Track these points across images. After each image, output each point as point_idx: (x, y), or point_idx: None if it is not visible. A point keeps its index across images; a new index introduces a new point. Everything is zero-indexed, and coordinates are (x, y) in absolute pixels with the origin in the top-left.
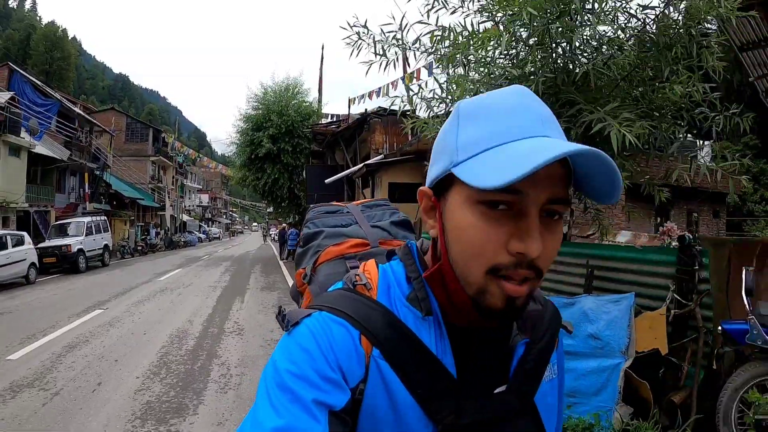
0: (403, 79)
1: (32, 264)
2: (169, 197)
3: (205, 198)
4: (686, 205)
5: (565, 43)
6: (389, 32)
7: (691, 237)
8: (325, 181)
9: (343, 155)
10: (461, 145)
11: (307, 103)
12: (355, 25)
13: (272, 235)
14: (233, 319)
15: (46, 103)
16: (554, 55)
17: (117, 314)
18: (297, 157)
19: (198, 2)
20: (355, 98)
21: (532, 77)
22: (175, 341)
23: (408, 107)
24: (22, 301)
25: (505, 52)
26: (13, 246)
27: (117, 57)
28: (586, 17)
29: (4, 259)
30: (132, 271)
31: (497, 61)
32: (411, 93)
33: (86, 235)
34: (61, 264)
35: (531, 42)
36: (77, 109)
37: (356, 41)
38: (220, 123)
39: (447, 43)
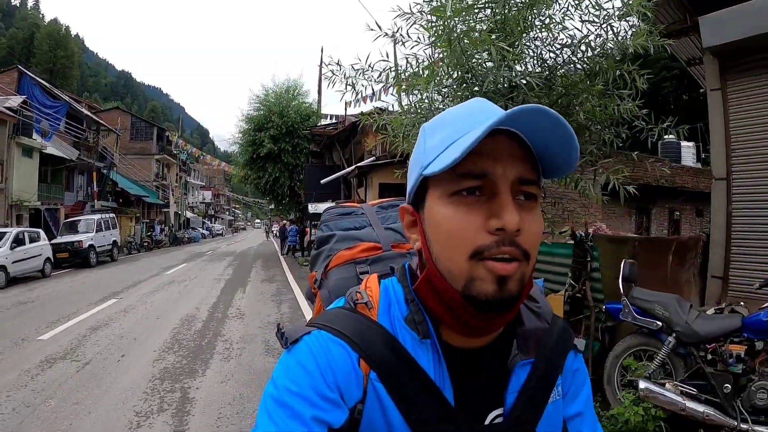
0: (372, 96)
1: (47, 259)
2: (173, 194)
3: (208, 195)
4: (668, 204)
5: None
6: (358, 69)
7: (582, 234)
8: (321, 181)
9: (340, 156)
10: (427, 151)
11: (307, 104)
12: (329, 63)
13: (274, 232)
14: (235, 306)
15: (55, 104)
16: (484, 89)
17: (131, 302)
18: (297, 156)
19: (201, 1)
20: (351, 102)
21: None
22: (185, 324)
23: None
24: (41, 292)
25: (436, 89)
26: (30, 242)
27: (119, 54)
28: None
29: (22, 254)
30: (140, 266)
31: (433, 96)
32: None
33: (96, 232)
34: (73, 259)
35: (455, 76)
36: (84, 110)
37: (332, 77)
38: (223, 120)
39: (403, 76)
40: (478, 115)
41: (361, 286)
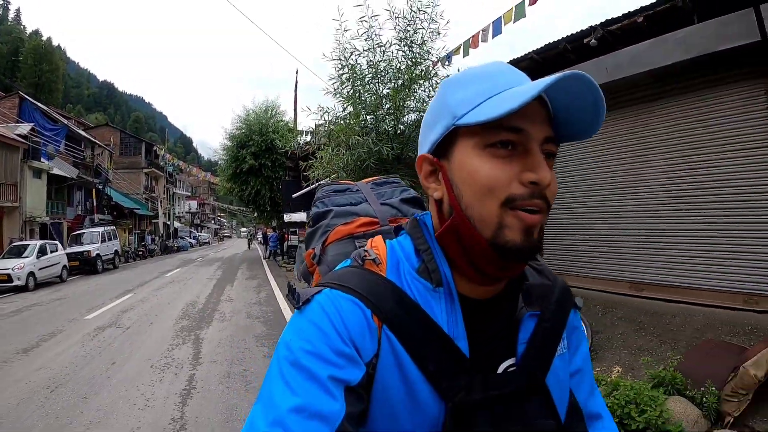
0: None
1: (64, 266)
2: (161, 206)
3: (193, 204)
4: None
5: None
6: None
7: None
8: (292, 195)
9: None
10: (456, 104)
11: (284, 122)
12: (304, 109)
13: (259, 239)
14: (226, 294)
15: (55, 128)
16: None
17: (144, 296)
18: (276, 170)
19: (180, 8)
20: (319, 124)
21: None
22: (190, 306)
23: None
24: (67, 292)
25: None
26: (50, 253)
27: (101, 63)
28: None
29: (46, 262)
30: (140, 271)
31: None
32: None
33: (101, 242)
34: (83, 267)
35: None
36: (77, 129)
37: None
38: (205, 126)
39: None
40: (509, 76)
41: (366, 245)
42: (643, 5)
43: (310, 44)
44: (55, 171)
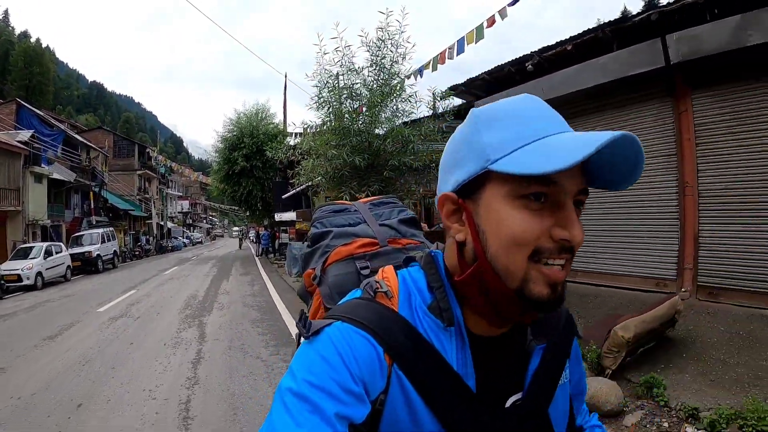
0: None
1: (68, 266)
2: (154, 206)
3: (185, 204)
4: None
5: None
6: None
7: None
8: (282, 196)
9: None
10: (491, 145)
11: (274, 125)
12: (293, 123)
13: (251, 237)
14: (223, 288)
15: (52, 133)
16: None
17: (147, 291)
18: (267, 171)
19: (168, 8)
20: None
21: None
22: (191, 299)
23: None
24: (74, 290)
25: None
26: (55, 254)
27: (89, 63)
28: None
29: (52, 262)
30: (139, 270)
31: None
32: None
33: (101, 243)
34: (84, 267)
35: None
36: (77, 136)
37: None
38: (195, 123)
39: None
40: (549, 120)
41: (377, 276)
42: (572, 35)
43: (301, 40)
44: (55, 175)
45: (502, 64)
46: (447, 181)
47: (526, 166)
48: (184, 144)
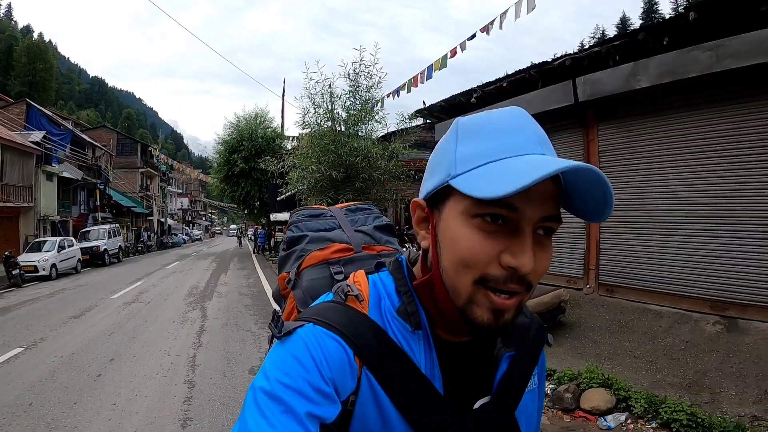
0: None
1: (78, 259)
2: (155, 203)
3: (185, 201)
4: None
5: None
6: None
7: None
8: (276, 199)
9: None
10: (459, 158)
11: (272, 129)
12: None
13: (249, 236)
14: (221, 281)
15: (61, 133)
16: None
17: (153, 282)
18: (265, 173)
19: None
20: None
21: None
22: (193, 288)
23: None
24: (86, 280)
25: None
26: (68, 248)
27: (91, 57)
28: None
29: (65, 255)
30: (143, 264)
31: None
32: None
33: (108, 239)
34: (92, 260)
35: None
36: (84, 136)
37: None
38: (195, 120)
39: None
40: (519, 135)
41: (348, 280)
42: (508, 73)
43: (302, 37)
44: (65, 174)
45: (455, 94)
46: (423, 188)
47: (473, 187)
48: (185, 140)
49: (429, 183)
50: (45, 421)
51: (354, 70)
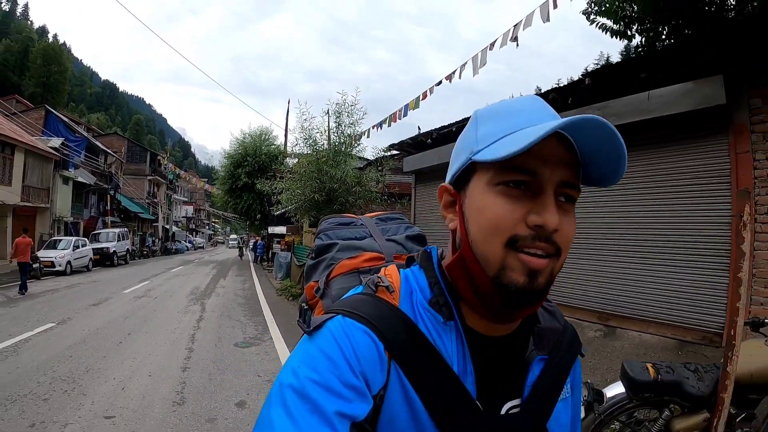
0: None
1: (90, 258)
2: (161, 210)
3: (189, 209)
4: None
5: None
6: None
7: None
8: (274, 213)
9: None
10: (480, 137)
11: (275, 146)
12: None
13: (250, 245)
14: (220, 284)
15: (76, 139)
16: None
17: (159, 282)
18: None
19: (186, 8)
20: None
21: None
22: (195, 289)
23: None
24: (98, 277)
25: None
26: (81, 247)
27: (104, 59)
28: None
29: (79, 254)
30: (149, 267)
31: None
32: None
33: (117, 241)
34: (102, 260)
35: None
36: (98, 143)
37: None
38: (203, 127)
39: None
40: (534, 113)
41: (380, 273)
42: (458, 120)
43: (310, 50)
44: (79, 179)
45: (417, 134)
46: (448, 174)
47: (493, 153)
48: (192, 149)
49: (454, 166)
50: (83, 366)
51: (337, 111)
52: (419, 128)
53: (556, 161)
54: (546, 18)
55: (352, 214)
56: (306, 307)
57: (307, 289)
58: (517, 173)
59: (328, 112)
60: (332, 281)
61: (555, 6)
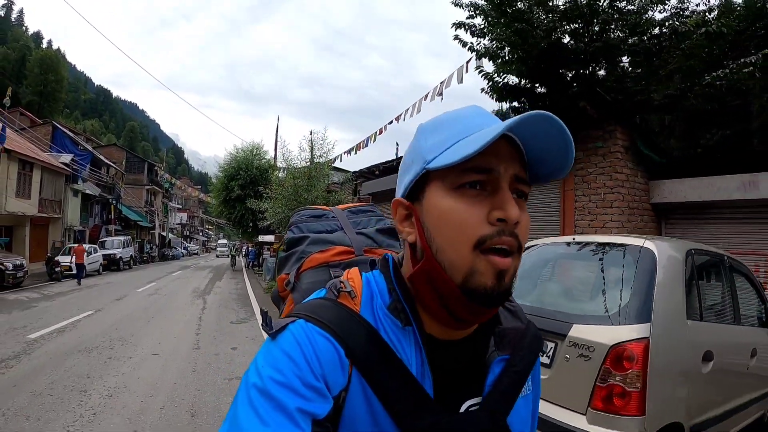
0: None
1: (100, 263)
2: (158, 218)
3: (184, 216)
4: None
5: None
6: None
7: None
8: (261, 226)
9: None
10: (430, 147)
11: (266, 161)
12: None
13: (243, 252)
14: (217, 285)
15: (82, 153)
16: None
17: (165, 283)
18: (258, 198)
19: (180, 13)
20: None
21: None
22: (196, 289)
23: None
24: (110, 279)
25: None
26: (93, 253)
27: (97, 66)
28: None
29: (91, 260)
30: (151, 271)
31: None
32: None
33: (122, 248)
34: (109, 265)
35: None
36: (101, 156)
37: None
38: (195, 133)
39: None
40: (480, 118)
41: (343, 276)
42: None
43: (304, 57)
44: (87, 191)
45: (371, 166)
46: (400, 187)
47: (450, 157)
48: (185, 155)
49: (405, 180)
50: (128, 332)
51: (309, 144)
52: (397, 144)
53: (508, 158)
54: (460, 80)
55: (324, 206)
56: (266, 310)
57: (278, 281)
58: (475, 173)
59: (300, 146)
60: (302, 274)
61: (467, 71)
